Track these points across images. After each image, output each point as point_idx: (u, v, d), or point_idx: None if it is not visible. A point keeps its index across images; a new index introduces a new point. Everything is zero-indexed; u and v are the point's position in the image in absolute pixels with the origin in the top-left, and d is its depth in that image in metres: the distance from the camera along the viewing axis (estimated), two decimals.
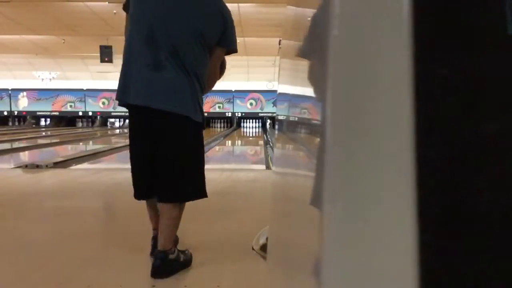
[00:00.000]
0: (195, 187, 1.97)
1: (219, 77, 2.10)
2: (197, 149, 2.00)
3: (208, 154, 6.22)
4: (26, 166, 5.44)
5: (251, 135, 16.47)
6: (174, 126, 1.88)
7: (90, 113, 19.91)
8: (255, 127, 19.35)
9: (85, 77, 19.42)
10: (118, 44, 14.15)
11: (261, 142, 11.98)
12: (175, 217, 1.93)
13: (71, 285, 1.85)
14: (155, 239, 2.03)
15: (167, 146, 1.89)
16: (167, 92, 1.83)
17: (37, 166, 5.40)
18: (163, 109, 1.83)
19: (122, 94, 1.92)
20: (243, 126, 19.39)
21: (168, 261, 1.88)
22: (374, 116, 0.38)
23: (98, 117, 20.03)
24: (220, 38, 1.97)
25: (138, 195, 2.03)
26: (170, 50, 1.84)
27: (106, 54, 14.34)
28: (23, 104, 20.02)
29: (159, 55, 1.83)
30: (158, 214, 1.96)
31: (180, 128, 1.89)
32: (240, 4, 9.80)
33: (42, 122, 20.54)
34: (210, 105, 18.16)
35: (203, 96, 1.99)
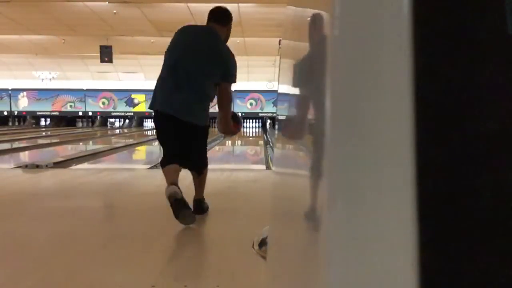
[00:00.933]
0: (205, 163, 3.10)
1: (227, 103, 3.03)
2: (205, 142, 3.11)
3: (208, 155, 6.22)
4: (26, 166, 5.43)
5: (251, 135, 16.47)
6: (189, 127, 2.82)
7: (90, 113, 19.91)
8: (255, 127, 19.37)
9: (85, 77, 19.42)
10: (118, 44, 14.21)
11: (261, 142, 11.99)
12: (203, 179, 3.05)
13: (71, 285, 1.85)
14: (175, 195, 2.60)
15: (191, 139, 2.91)
16: (182, 106, 2.77)
17: (37, 166, 5.39)
18: (177, 116, 2.76)
19: (153, 103, 2.90)
20: (243, 126, 19.40)
21: (202, 205, 3.02)
22: (374, 116, 0.38)
23: (98, 117, 20.02)
24: (222, 77, 2.89)
25: (169, 162, 2.81)
26: (186, 80, 2.77)
27: (106, 54, 14.33)
28: (23, 104, 20.02)
29: (178, 82, 2.78)
30: (177, 175, 2.75)
31: (191, 129, 2.84)
32: (240, 4, 9.80)
33: (42, 122, 20.55)
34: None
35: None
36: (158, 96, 2.85)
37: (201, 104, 2.85)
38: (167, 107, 2.77)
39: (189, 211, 2.58)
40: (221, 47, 2.90)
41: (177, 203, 2.51)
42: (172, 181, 2.64)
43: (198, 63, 2.80)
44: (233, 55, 2.94)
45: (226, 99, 2.99)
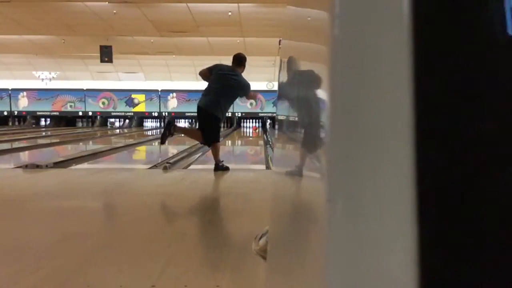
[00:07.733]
0: (216, 138, 5.33)
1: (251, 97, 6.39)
2: (218, 126, 5.39)
3: (208, 155, 6.23)
4: (26, 166, 5.42)
5: (251, 135, 16.47)
6: (212, 118, 5.20)
7: (90, 113, 19.90)
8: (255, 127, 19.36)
9: (85, 77, 19.42)
10: (118, 44, 14.22)
11: (261, 142, 11.99)
12: (217, 148, 5.24)
13: (71, 285, 1.85)
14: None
15: (209, 123, 5.26)
16: (210, 107, 5.14)
17: (37, 166, 5.38)
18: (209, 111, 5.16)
19: (199, 103, 5.29)
20: (243, 126, 19.40)
21: (217, 166, 5.19)
22: (375, 116, 0.38)
23: (98, 117, 20.02)
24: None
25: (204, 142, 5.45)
26: (217, 97, 5.10)
27: (106, 54, 14.32)
28: (23, 104, 20.02)
29: (212, 98, 5.14)
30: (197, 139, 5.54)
31: (213, 119, 5.22)
32: (240, 4, 9.80)
33: (42, 122, 20.54)
34: None
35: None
36: (201, 100, 5.39)
37: (220, 110, 5.23)
38: (205, 106, 5.33)
39: (164, 133, 5.34)
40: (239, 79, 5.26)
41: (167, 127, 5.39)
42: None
43: (226, 92, 5.16)
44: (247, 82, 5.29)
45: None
